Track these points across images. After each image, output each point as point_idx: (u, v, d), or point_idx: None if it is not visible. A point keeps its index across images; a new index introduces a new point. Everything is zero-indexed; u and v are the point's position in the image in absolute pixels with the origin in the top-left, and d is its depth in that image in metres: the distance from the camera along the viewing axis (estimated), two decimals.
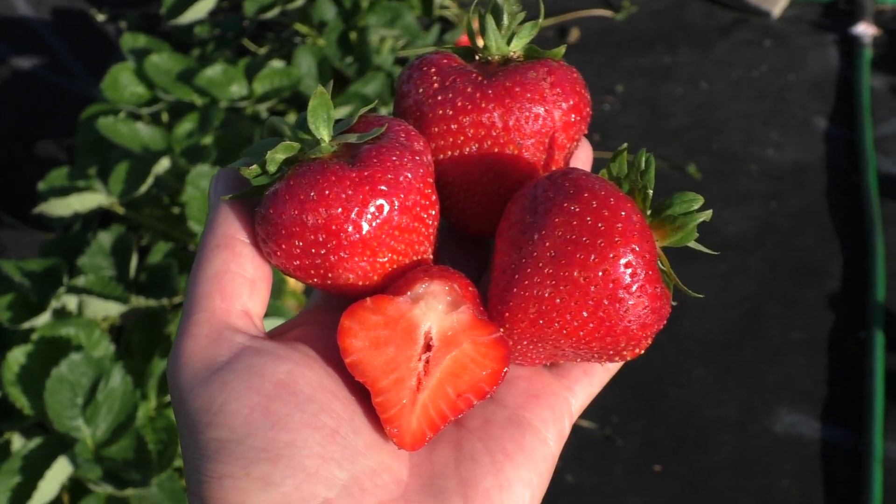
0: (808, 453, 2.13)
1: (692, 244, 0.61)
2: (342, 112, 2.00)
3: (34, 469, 1.44)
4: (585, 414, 2.20)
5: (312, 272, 0.60)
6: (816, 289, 2.41)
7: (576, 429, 2.18)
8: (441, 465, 0.59)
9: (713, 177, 2.67)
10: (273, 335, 0.61)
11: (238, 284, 0.60)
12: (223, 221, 0.61)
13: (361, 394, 0.59)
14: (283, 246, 0.59)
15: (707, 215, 0.58)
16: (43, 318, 1.62)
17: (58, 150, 2.79)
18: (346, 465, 0.54)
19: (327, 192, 0.57)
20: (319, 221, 0.57)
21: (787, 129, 2.79)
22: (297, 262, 0.59)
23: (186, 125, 2.03)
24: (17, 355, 1.55)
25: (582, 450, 2.16)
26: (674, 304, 0.61)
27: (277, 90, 2.14)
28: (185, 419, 0.55)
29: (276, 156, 0.59)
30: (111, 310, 1.68)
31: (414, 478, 0.58)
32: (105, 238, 1.83)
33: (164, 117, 2.22)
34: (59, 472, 1.41)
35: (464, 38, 2.41)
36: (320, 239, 0.58)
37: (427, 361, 0.58)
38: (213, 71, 2.10)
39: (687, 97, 2.89)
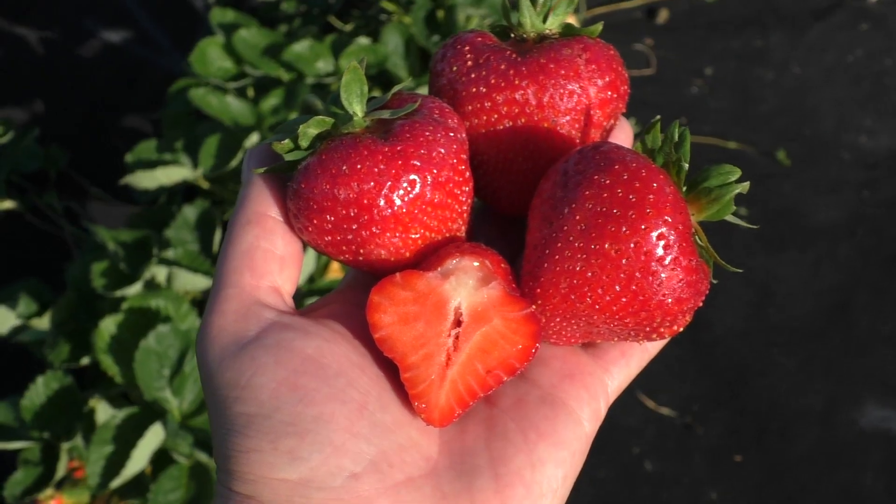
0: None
1: (730, 217, 0.59)
2: (425, 91, 1.99)
3: (126, 438, 1.46)
4: (666, 401, 2.17)
5: (344, 248, 0.60)
6: None
7: (656, 416, 2.15)
8: (472, 443, 0.59)
9: (803, 164, 2.61)
10: (303, 312, 0.61)
11: (268, 261, 0.60)
12: (255, 197, 0.61)
13: (390, 370, 0.58)
14: (315, 221, 0.58)
15: (744, 187, 0.57)
16: (134, 288, 1.64)
17: (143, 123, 2.83)
18: (374, 440, 0.54)
19: (359, 167, 0.57)
20: (351, 196, 0.57)
21: (883, 115, 2.71)
22: (329, 238, 0.59)
23: (272, 100, 2.04)
24: (109, 324, 1.57)
25: (662, 438, 2.14)
26: (714, 281, 0.59)
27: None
28: (213, 394, 0.56)
29: (309, 130, 0.59)
30: (199, 283, 1.70)
31: (444, 455, 0.58)
32: (190, 212, 1.85)
33: (250, 92, 2.23)
34: (151, 440, 1.43)
35: None
36: (352, 214, 0.57)
37: (457, 337, 0.57)
38: (301, 46, 2.10)
39: (778, 82, 2.82)
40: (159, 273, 1.69)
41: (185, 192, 2.27)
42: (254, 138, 1.91)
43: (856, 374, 2.21)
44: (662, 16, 3.05)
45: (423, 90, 1.99)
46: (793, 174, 2.58)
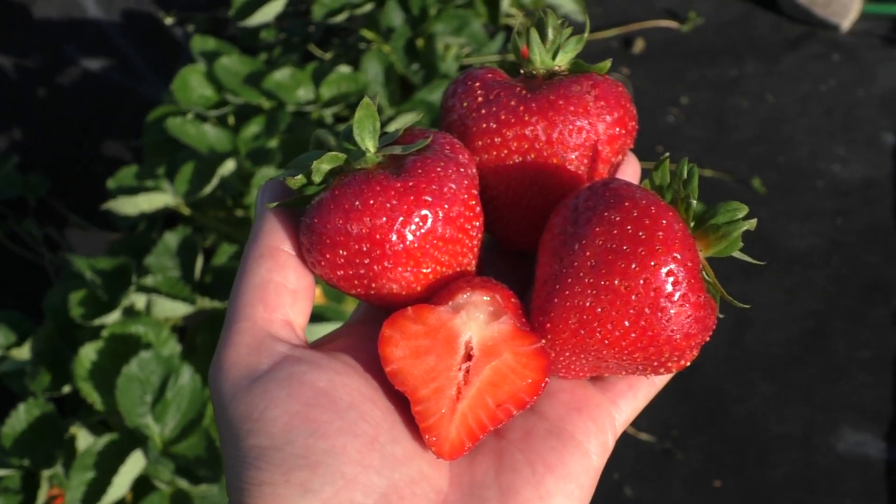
0: (873, 474, 2.09)
1: (737, 254, 0.59)
2: (407, 119, 2.00)
3: (107, 465, 1.45)
4: (645, 427, 2.18)
5: (356, 282, 0.60)
6: (883, 306, 2.38)
7: (635, 442, 2.16)
8: (481, 476, 0.59)
9: (778, 192, 2.64)
10: (315, 346, 0.62)
11: (280, 294, 0.60)
12: (268, 231, 0.61)
13: (401, 403, 0.59)
14: (327, 255, 0.59)
15: (751, 224, 0.57)
16: (113, 316, 1.64)
17: (123, 151, 2.83)
18: (385, 472, 0.54)
19: (372, 202, 0.57)
20: (364, 231, 0.57)
21: (855, 144, 2.75)
22: (341, 272, 0.60)
23: (252, 128, 2.04)
24: (89, 352, 1.57)
25: (641, 463, 2.15)
26: (720, 316, 0.60)
27: (344, 95, 2.14)
28: (226, 426, 0.56)
29: (322, 166, 0.60)
30: (179, 310, 1.70)
31: (454, 487, 0.58)
32: (171, 238, 1.85)
33: (231, 120, 2.24)
34: (132, 467, 1.42)
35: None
36: (364, 249, 0.58)
37: (467, 371, 0.58)
38: (281, 74, 2.11)
39: (753, 111, 2.86)
40: (138, 300, 1.69)
41: (166, 218, 2.28)
42: (229, 165, 1.92)
43: (833, 399, 2.23)
44: (638, 45, 3.08)
45: (404, 118, 2.01)
46: (768, 202, 2.61)
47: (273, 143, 2.03)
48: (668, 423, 2.20)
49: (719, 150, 2.76)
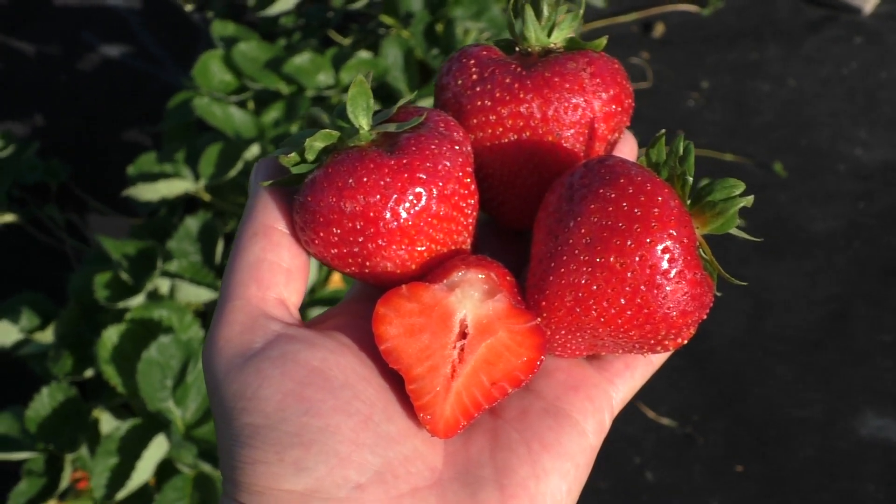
0: (895, 458, 2.08)
1: (734, 231, 0.59)
2: (426, 104, 2.00)
3: (130, 450, 1.46)
4: (665, 412, 2.18)
5: (350, 261, 0.60)
6: None
7: (656, 426, 2.16)
8: (476, 454, 0.59)
9: (800, 175, 2.63)
10: (309, 324, 0.61)
11: (274, 273, 0.60)
12: (262, 210, 0.61)
13: (396, 381, 0.59)
14: (321, 234, 0.59)
15: (748, 201, 0.57)
16: (138, 299, 1.65)
17: (143, 137, 2.84)
18: (379, 451, 0.55)
19: (365, 180, 0.57)
20: (357, 209, 0.57)
21: (877, 127, 2.73)
22: (335, 251, 0.59)
23: (273, 113, 2.05)
24: (112, 335, 1.58)
25: (662, 447, 2.14)
26: (718, 294, 0.59)
27: None
28: (219, 405, 0.56)
29: (315, 144, 0.59)
30: (202, 296, 1.70)
31: (448, 466, 0.58)
32: (192, 223, 1.85)
33: (251, 106, 2.24)
34: (155, 451, 1.43)
35: None
36: (358, 227, 0.58)
37: (462, 349, 0.58)
38: (301, 59, 2.11)
39: (774, 94, 2.84)
40: (162, 285, 1.70)
41: (186, 204, 2.28)
42: (254, 150, 1.92)
43: (854, 383, 2.22)
44: (658, 29, 3.07)
45: (424, 103, 2.00)
46: (789, 185, 2.60)
47: (294, 128, 2.03)
48: (688, 407, 2.20)
49: (740, 134, 2.75)
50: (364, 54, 2.22)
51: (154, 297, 1.72)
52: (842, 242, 2.47)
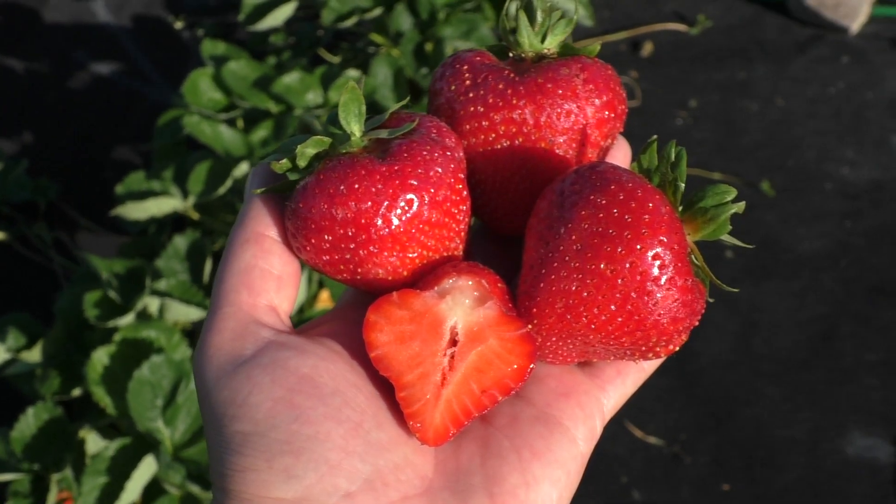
0: (882, 478, 2.09)
1: (726, 238, 0.59)
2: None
3: (119, 470, 1.45)
4: (653, 431, 2.18)
5: (341, 267, 0.60)
6: (892, 309, 2.37)
7: (643, 446, 2.16)
8: (467, 462, 0.59)
9: (787, 194, 2.64)
10: (300, 331, 0.61)
11: (265, 280, 0.60)
12: (254, 217, 0.61)
13: (386, 389, 0.58)
14: (313, 240, 0.59)
15: (739, 207, 0.57)
16: (127, 319, 1.65)
17: (132, 155, 2.84)
18: (369, 458, 0.54)
19: (357, 186, 0.57)
20: (349, 215, 0.57)
21: (864, 147, 2.74)
22: (327, 257, 0.59)
23: (261, 132, 2.05)
24: (101, 355, 1.58)
25: (649, 467, 2.15)
26: (710, 300, 0.59)
27: None
28: (210, 412, 0.56)
29: (307, 150, 0.59)
30: (191, 314, 1.70)
31: (439, 474, 0.58)
32: (180, 242, 1.85)
33: (240, 124, 2.24)
34: (144, 472, 1.43)
35: None
36: (349, 233, 0.57)
37: (452, 356, 0.58)
38: (290, 78, 2.12)
39: (761, 113, 2.85)
40: (152, 304, 1.69)
41: (174, 222, 2.28)
42: (243, 168, 1.92)
43: (841, 403, 2.22)
44: (647, 48, 3.08)
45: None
46: (777, 205, 2.61)
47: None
48: (676, 426, 2.20)
49: (728, 152, 2.76)
50: (353, 73, 2.22)
51: (143, 316, 1.71)
52: (829, 262, 2.48)
